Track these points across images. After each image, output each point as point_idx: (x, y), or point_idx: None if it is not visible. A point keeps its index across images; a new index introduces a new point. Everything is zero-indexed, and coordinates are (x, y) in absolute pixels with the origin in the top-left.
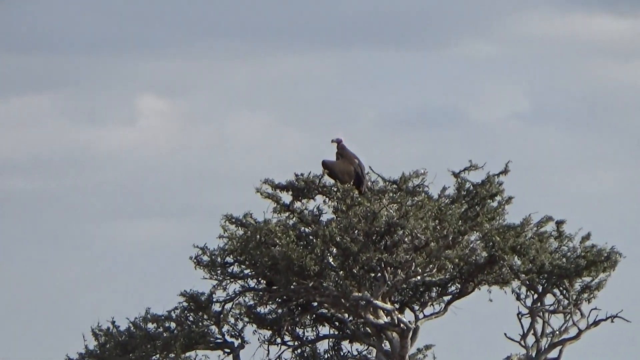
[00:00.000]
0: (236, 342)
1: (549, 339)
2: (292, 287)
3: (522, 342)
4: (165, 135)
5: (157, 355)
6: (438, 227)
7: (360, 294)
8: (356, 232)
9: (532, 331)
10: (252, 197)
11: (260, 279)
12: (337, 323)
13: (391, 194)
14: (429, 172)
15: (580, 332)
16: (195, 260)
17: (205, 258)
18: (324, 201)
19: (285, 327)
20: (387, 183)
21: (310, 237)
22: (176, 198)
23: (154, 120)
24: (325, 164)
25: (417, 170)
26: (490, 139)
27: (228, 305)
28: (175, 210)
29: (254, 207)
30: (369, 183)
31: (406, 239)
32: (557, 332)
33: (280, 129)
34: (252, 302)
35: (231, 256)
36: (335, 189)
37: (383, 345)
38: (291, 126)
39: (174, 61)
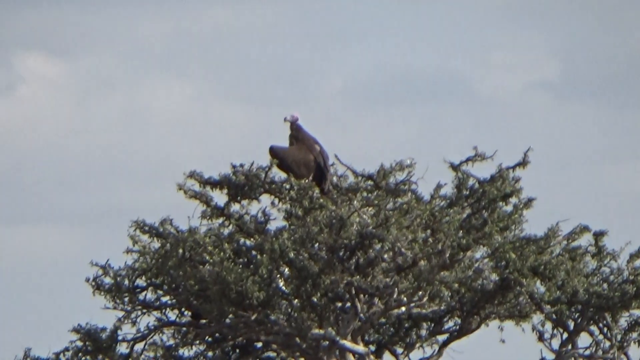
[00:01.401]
0: None
1: None
2: (227, 321)
3: None
4: (54, 109)
5: None
6: (430, 239)
7: (321, 332)
8: (317, 245)
9: None
10: (173, 197)
11: (183, 309)
12: None
13: (365, 194)
14: (417, 163)
15: None
16: (93, 284)
17: (108, 280)
18: (273, 203)
19: None
20: (360, 178)
21: (254, 253)
22: (68, 196)
23: (40, 88)
24: (274, 151)
25: (401, 161)
26: (504, 119)
27: (139, 347)
28: (65, 213)
29: (174, 211)
30: (335, 178)
31: (386, 256)
32: None
33: (211, 102)
34: (172, 342)
35: (143, 278)
36: (288, 186)
37: None
38: (226, 98)
39: (66, 10)
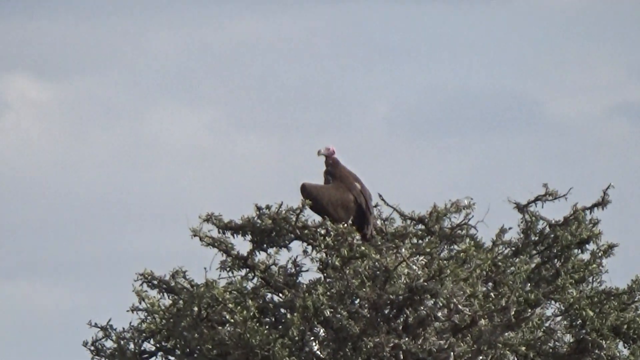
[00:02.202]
0: None
1: None
2: None
3: None
4: (45, 140)
5: None
6: (492, 294)
7: None
8: (358, 302)
9: None
10: (186, 244)
11: None
12: None
13: (415, 240)
14: (477, 203)
15: None
16: (92, 348)
17: (110, 344)
18: (305, 251)
19: None
20: (409, 222)
21: (282, 311)
22: (60, 243)
23: (27, 116)
24: (306, 190)
25: (457, 201)
26: (580, 149)
27: None
28: (57, 263)
29: (188, 261)
30: (379, 222)
31: (440, 314)
32: None
33: (232, 131)
34: None
35: (152, 341)
36: (323, 232)
37: None
38: (248, 128)
39: (58, 24)
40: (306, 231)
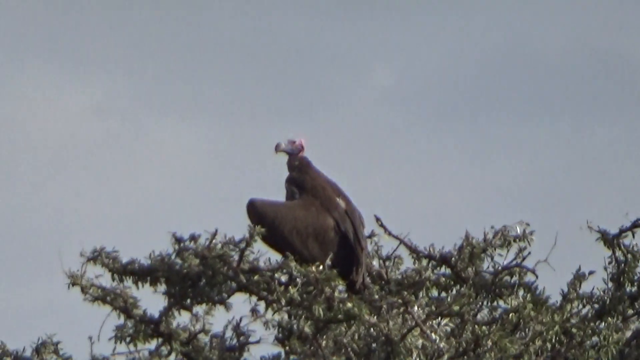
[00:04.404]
0: None
1: None
2: None
3: None
4: None
5: None
6: None
7: None
8: None
9: None
10: (60, 298)
11: None
12: None
13: (436, 293)
14: (537, 232)
15: None
16: None
17: None
18: (254, 310)
19: None
20: (425, 263)
21: None
22: None
23: None
24: (257, 210)
25: (504, 229)
26: None
27: None
28: None
29: (62, 326)
30: (376, 262)
31: None
32: None
33: (137, 115)
34: None
35: None
36: (284, 278)
37: None
38: (166, 109)
39: None
40: (256, 277)
